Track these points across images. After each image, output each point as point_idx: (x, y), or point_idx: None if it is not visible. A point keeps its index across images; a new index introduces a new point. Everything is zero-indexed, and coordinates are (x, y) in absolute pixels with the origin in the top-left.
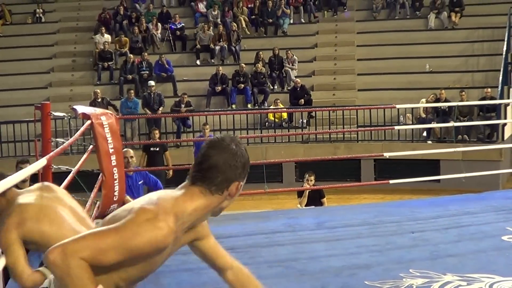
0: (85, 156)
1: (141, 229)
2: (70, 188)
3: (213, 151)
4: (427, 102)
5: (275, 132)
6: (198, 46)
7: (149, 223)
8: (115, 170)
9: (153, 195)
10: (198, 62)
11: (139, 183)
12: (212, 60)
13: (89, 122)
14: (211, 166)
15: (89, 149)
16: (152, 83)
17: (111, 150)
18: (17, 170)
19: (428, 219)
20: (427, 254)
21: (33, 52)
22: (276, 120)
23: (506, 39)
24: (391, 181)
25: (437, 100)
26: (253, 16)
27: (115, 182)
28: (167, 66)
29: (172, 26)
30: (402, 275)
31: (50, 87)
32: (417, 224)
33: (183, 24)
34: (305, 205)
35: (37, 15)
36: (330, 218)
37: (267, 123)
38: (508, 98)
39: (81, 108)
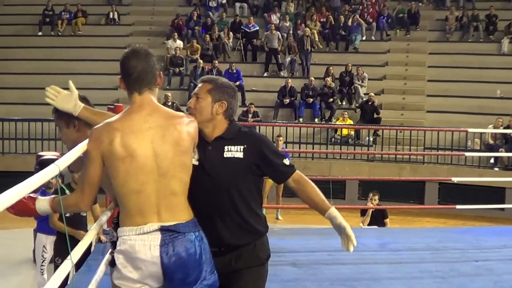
0: None
1: None
2: None
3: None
4: (494, 127)
5: (340, 148)
6: (266, 48)
7: None
8: None
9: None
10: (266, 73)
11: None
12: (281, 73)
13: None
14: None
15: None
16: None
17: None
18: None
19: (493, 248)
20: (490, 284)
21: (105, 53)
22: (343, 136)
23: None
24: (458, 206)
25: (507, 126)
26: (325, 31)
27: None
28: (236, 75)
29: (246, 28)
30: None
31: (120, 89)
32: (482, 252)
33: (257, 28)
34: (368, 224)
35: (111, 17)
36: (393, 240)
37: (333, 139)
38: None
39: None
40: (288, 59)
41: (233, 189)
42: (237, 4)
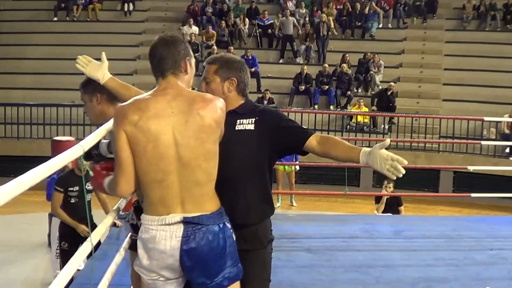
0: None
1: None
2: None
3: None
4: (510, 117)
5: (356, 135)
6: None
7: None
8: None
9: None
10: (281, 60)
11: None
12: (297, 59)
13: None
14: None
15: None
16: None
17: None
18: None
19: (508, 237)
20: (505, 273)
21: (120, 39)
22: (358, 123)
23: None
24: (473, 195)
25: None
26: (342, 18)
27: None
28: (252, 61)
29: (260, 22)
30: None
31: (136, 74)
32: (496, 241)
33: (272, 21)
34: (382, 212)
35: (127, 3)
36: (407, 227)
37: (348, 126)
38: None
39: None
40: (303, 46)
41: (244, 163)
42: None
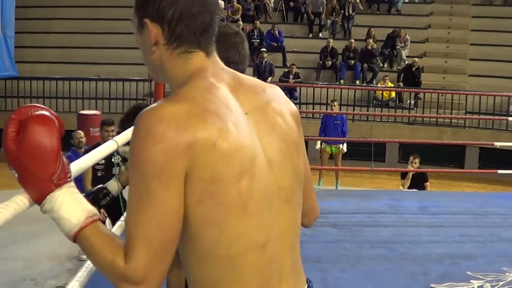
0: None
1: None
2: None
3: None
4: None
5: (381, 111)
6: (311, 15)
7: None
8: None
9: None
10: (310, 35)
11: None
12: (320, 34)
13: None
14: None
15: None
16: (265, 52)
17: None
18: (101, 131)
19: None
20: None
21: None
22: (384, 98)
23: None
24: (499, 171)
25: None
26: None
27: None
28: (278, 36)
29: None
30: (505, 269)
31: None
32: None
33: None
34: (408, 188)
35: None
36: (433, 203)
37: (374, 101)
38: None
39: None
40: (329, 20)
41: None
42: None
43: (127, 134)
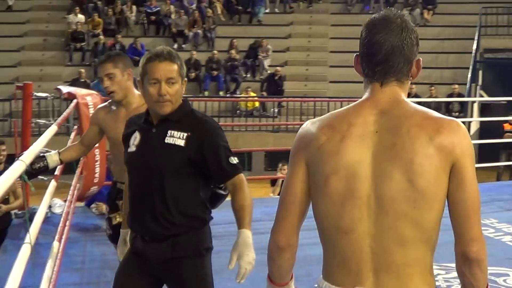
0: (72, 137)
1: None
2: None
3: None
4: None
5: (246, 120)
6: (174, 30)
7: None
8: (97, 152)
9: None
10: (176, 46)
11: None
12: (183, 46)
13: (75, 101)
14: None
15: (74, 129)
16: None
17: None
18: None
19: None
20: None
21: (3, 29)
22: (248, 108)
23: (476, 38)
24: None
25: (408, 95)
26: (229, 3)
27: (96, 164)
28: (140, 49)
29: (148, 10)
30: None
31: (20, 65)
32: None
33: (158, 8)
34: (278, 194)
35: None
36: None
37: (238, 111)
38: (475, 95)
39: (65, 88)
40: (191, 33)
41: (167, 179)
42: None
43: (32, 150)
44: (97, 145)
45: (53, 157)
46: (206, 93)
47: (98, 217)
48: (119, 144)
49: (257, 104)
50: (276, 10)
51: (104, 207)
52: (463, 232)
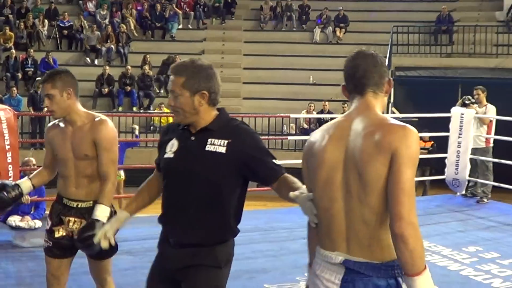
0: None
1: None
2: None
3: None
4: (307, 113)
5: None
6: (87, 46)
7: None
8: (10, 168)
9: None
10: (88, 59)
11: None
12: (96, 61)
13: None
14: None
15: None
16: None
17: (7, 147)
18: None
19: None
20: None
21: None
22: (162, 124)
23: (387, 56)
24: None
25: (321, 111)
26: (142, 19)
27: (9, 180)
28: (53, 64)
29: (61, 24)
30: (299, 278)
31: None
32: None
33: (71, 23)
34: None
35: None
36: None
37: (151, 127)
38: (388, 112)
39: None
40: (104, 48)
41: (205, 187)
42: None
43: None
44: (10, 160)
45: (26, 184)
46: (120, 109)
47: (12, 232)
48: (68, 159)
49: (170, 120)
50: (190, 26)
51: (29, 219)
52: (390, 210)
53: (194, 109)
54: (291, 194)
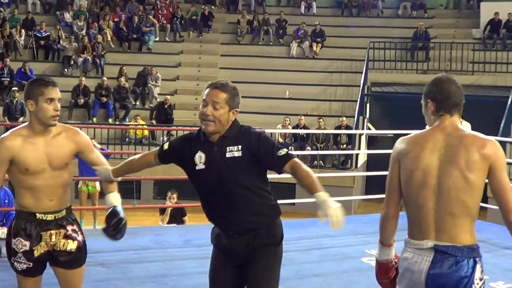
0: None
1: None
2: None
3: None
4: (282, 127)
5: (135, 148)
6: (63, 55)
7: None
8: None
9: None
10: (66, 70)
11: None
12: (72, 72)
13: None
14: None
15: None
16: (16, 91)
17: None
18: None
19: (291, 240)
20: (293, 273)
21: None
22: (137, 136)
23: (364, 71)
24: None
25: (296, 126)
26: (119, 30)
27: None
28: (29, 74)
29: (38, 34)
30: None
31: None
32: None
33: (48, 33)
34: (167, 223)
35: None
36: (196, 236)
37: (127, 139)
38: (363, 128)
39: None
40: (81, 59)
41: (238, 185)
42: (30, 1)
43: None
44: None
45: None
46: (95, 120)
47: None
48: (42, 171)
49: (146, 132)
50: (166, 38)
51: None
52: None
53: (227, 122)
54: (319, 201)
